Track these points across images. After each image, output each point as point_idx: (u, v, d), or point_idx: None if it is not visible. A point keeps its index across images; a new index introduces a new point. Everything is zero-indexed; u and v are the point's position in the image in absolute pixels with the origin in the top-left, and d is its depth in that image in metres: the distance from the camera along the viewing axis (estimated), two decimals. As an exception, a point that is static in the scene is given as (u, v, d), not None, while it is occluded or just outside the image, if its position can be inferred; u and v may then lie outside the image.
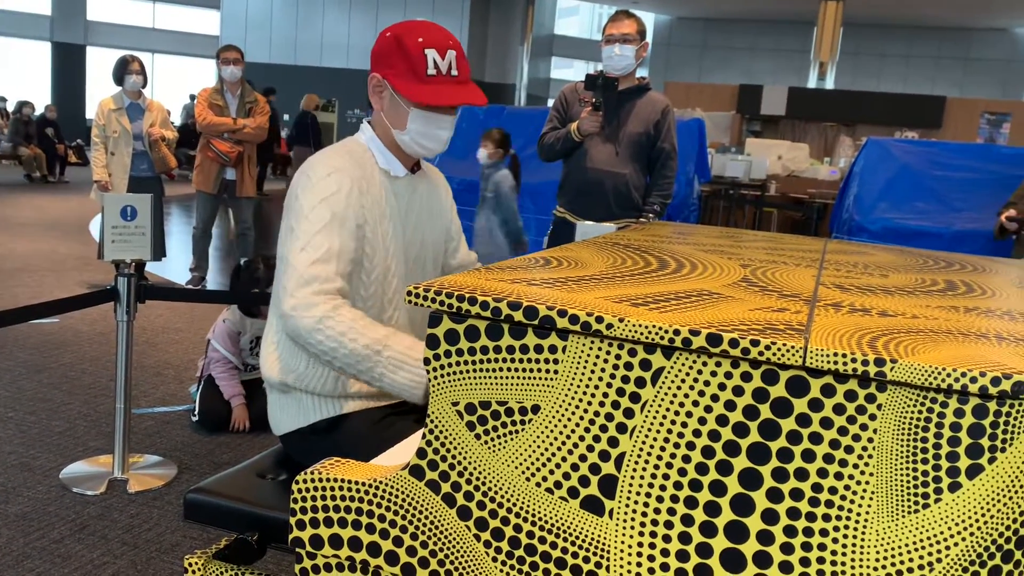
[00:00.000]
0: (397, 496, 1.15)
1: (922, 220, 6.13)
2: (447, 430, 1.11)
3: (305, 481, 1.20)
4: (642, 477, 1.02)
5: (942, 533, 0.93)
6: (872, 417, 0.93)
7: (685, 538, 1.01)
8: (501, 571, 1.10)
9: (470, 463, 1.10)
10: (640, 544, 1.03)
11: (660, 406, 1.01)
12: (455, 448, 1.11)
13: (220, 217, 6.18)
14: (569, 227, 3.87)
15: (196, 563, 1.72)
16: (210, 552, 1.77)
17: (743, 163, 9.74)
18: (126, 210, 3.08)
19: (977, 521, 0.92)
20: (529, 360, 1.06)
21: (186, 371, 4.31)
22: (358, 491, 1.17)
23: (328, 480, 1.19)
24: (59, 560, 2.46)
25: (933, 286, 1.52)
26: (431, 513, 1.13)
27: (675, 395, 1.00)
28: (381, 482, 1.16)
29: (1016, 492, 0.91)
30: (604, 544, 1.05)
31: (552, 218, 4.07)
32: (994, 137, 12.32)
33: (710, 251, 1.75)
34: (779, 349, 0.94)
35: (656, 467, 1.02)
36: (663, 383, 1.00)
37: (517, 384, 1.07)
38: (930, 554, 0.93)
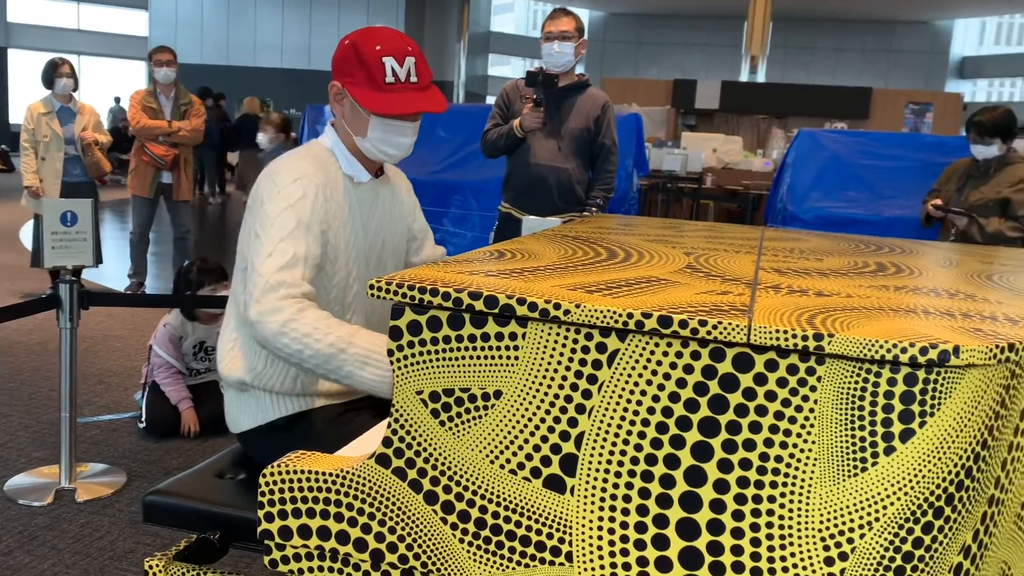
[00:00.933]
0: (364, 485, 1.18)
1: (853, 208, 6.34)
2: (412, 418, 1.15)
3: (272, 474, 1.23)
4: (601, 454, 1.08)
5: (880, 494, 1.00)
6: (812, 388, 1.00)
7: (643, 510, 1.07)
8: (468, 551, 1.14)
9: (435, 449, 1.14)
10: (600, 518, 1.09)
11: (616, 386, 1.06)
12: (420, 435, 1.15)
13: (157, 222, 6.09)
14: (515, 222, 3.93)
15: (157, 565, 1.73)
16: (170, 554, 1.78)
17: (679, 157, 9.92)
18: (66, 215, 3.03)
19: (911, 481, 0.99)
20: (490, 347, 1.10)
21: (130, 378, 4.25)
22: (326, 482, 1.20)
23: (295, 472, 1.22)
24: (9, 572, 2.42)
25: (865, 268, 1.61)
26: (398, 499, 1.17)
27: (630, 375, 1.05)
28: (348, 472, 1.19)
29: (945, 453, 0.99)
30: (566, 520, 1.10)
31: (497, 214, 4.12)
32: (918, 126, 12.76)
33: (654, 241, 1.81)
34: (725, 328, 1.00)
35: (614, 444, 1.07)
36: (618, 364, 1.06)
37: (479, 371, 1.11)
38: (869, 514, 1.00)
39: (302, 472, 1.21)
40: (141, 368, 4.02)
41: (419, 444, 1.15)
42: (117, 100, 17.23)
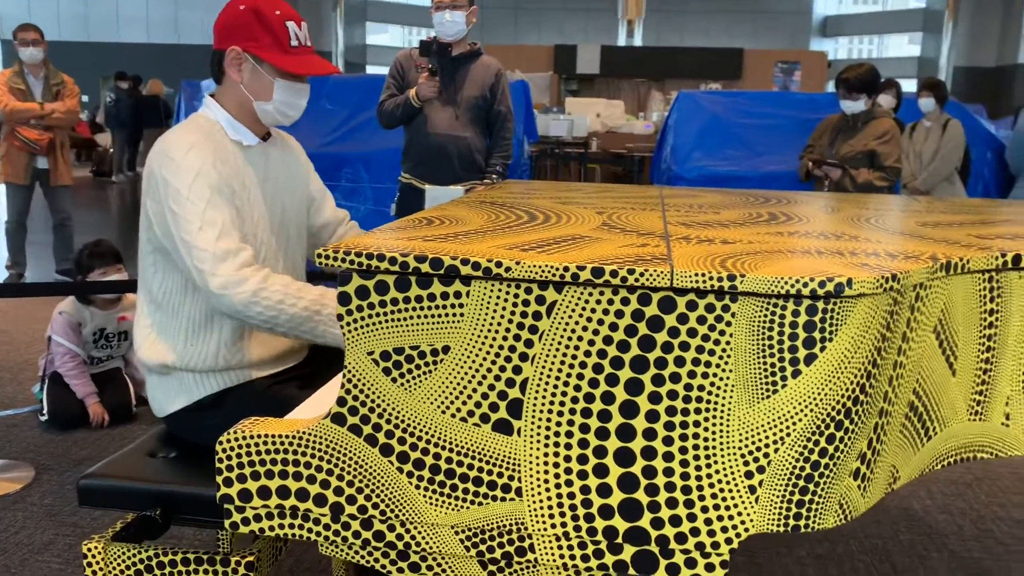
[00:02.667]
0: (321, 443, 1.25)
1: (732, 166, 6.65)
2: (364, 378, 1.22)
3: (229, 441, 1.28)
4: (544, 397, 1.18)
5: (789, 412, 1.14)
6: (728, 324, 1.13)
7: (584, 444, 1.18)
8: (424, 496, 1.23)
9: (388, 405, 1.22)
10: (546, 455, 1.19)
11: (556, 334, 1.17)
12: (373, 393, 1.22)
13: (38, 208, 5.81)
14: (416, 192, 3.98)
15: (95, 547, 1.75)
16: (108, 535, 1.79)
17: (565, 122, 10.10)
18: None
19: (815, 400, 1.14)
20: (436, 307, 1.19)
21: (23, 372, 4.10)
22: (283, 443, 1.27)
23: (252, 437, 1.28)
24: (-75, 574, 2.36)
25: (759, 218, 1.77)
26: (355, 454, 1.24)
27: (567, 323, 1.16)
28: (304, 433, 1.26)
29: (843, 373, 1.14)
30: (515, 459, 1.20)
31: (398, 185, 4.15)
32: (788, 85, 13.38)
33: (566, 203, 1.92)
34: (651, 275, 1.12)
35: (556, 387, 1.18)
36: (557, 314, 1.16)
37: (427, 329, 1.20)
38: (782, 431, 1.15)
39: (259, 436, 1.27)
40: (38, 361, 3.89)
41: (372, 401, 1.23)
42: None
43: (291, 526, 1.29)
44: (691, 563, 1.19)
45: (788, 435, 1.15)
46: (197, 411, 1.90)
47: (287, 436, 1.26)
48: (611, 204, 1.93)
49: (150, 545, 1.77)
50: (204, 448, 1.90)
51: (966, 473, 3.38)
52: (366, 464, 1.24)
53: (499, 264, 1.15)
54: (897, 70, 17.84)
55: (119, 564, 1.77)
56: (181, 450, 1.93)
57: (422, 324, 1.20)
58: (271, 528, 1.30)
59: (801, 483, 1.16)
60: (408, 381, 1.21)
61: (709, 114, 7.12)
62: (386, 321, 1.21)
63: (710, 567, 1.19)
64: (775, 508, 1.17)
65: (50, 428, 3.44)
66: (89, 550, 1.75)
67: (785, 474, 1.16)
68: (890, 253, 1.34)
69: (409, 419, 1.22)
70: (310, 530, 1.29)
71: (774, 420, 1.15)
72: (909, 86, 6.12)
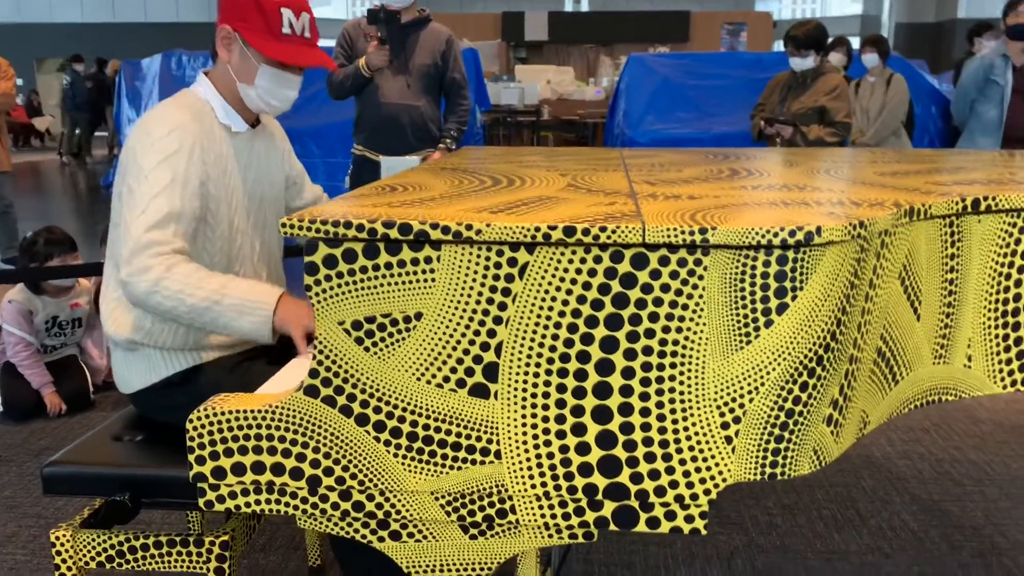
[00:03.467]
0: (295, 416, 1.23)
1: (685, 128, 6.68)
2: (336, 348, 1.21)
3: (200, 419, 1.26)
4: (520, 359, 1.18)
5: (763, 362, 1.15)
6: (700, 277, 1.14)
7: (561, 403, 1.18)
8: (403, 463, 1.23)
9: (362, 374, 1.21)
10: (524, 416, 1.19)
11: (529, 296, 1.16)
12: (346, 363, 1.21)
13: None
14: (371, 164, 3.93)
15: (64, 536, 1.71)
16: (76, 523, 1.76)
17: (516, 90, 10.04)
18: None
19: (788, 348, 1.15)
20: (407, 273, 1.17)
21: (-27, 364, 3.98)
22: (255, 419, 1.25)
23: (223, 414, 1.25)
24: None
25: (721, 174, 1.78)
26: (330, 426, 1.23)
27: (540, 284, 1.15)
28: (277, 407, 1.24)
29: (814, 321, 1.15)
30: (493, 422, 1.20)
31: (351, 157, 4.09)
32: (734, 46, 13.44)
33: (528, 167, 1.91)
34: (623, 231, 1.12)
35: (531, 348, 1.17)
36: (529, 275, 1.15)
37: (398, 296, 1.18)
38: (756, 380, 1.16)
39: (231, 413, 1.25)
40: (-12, 351, 3.78)
41: (346, 371, 1.21)
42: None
43: (267, 501, 1.28)
44: (671, 515, 1.21)
45: (762, 385, 1.16)
46: (165, 388, 1.87)
47: (260, 411, 1.24)
48: (574, 166, 1.92)
49: (120, 530, 1.74)
50: (172, 428, 1.87)
51: (923, 419, 3.47)
52: (342, 435, 1.23)
53: (469, 227, 1.13)
54: (840, 28, 18.03)
55: (89, 551, 1.74)
56: (148, 432, 1.89)
57: (393, 291, 1.18)
58: (247, 504, 1.28)
59: (776, 431, 1.18)
60: (381, 349, 1.20)
61: (659, 77, 7.13)
62: (356, 290, 1.19)
63: (689, 518, 1.21)
64: (751, 457, 1.18)
65: (5, 420, 3.36)
66: (57, 539, 1.72)
67: (760, 423, 1.17)
68: (854, 201, 1.36)
69: (384, 388, 1.21)
70: (287, 504, 1.27)
71: (748, 371, 1.16)
72: (852, 44, 6.18)
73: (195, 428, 1.26)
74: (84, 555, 1.74)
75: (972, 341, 1.51)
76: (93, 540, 1.74)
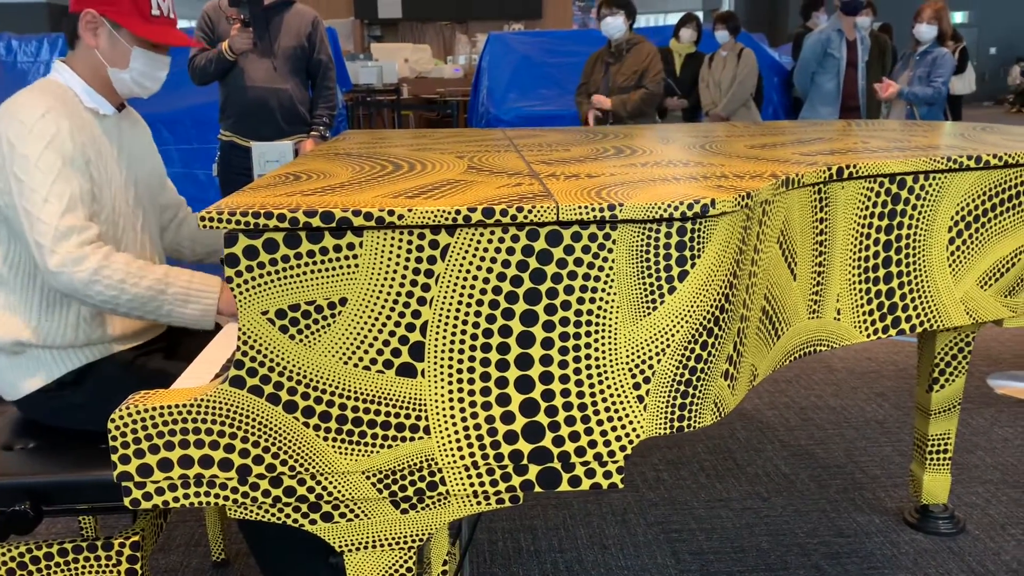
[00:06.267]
0: (221, 408, 1.24)
1: (548, 105, 6.82)
2: (261, 338, 1.22)
3: (121, 418, 1.25)
4: (445, 337, 1.23)
5: (668, 326, 1.25)
6: (610, 251, 1.22)
7: (485, 376, 1.25)
8: (333, 446, 1.26)
9: (288, 362, 1.23)
10: (451, 391, 1.25)
11: (451, 276, 1.21)
12: (271, 352, 1.23)
13: None
14: (240, 150, 3.83)
15: (-43, 553, 1.64)
16: (-30, 539, 1.69)
17: (374, 69, 9.92)
18: None
19: (689, 312, 1.26)
20: (329, 260, 1.20)
21: None
22: (179, 413, 1.25)
23: (145, 411, 1.24)
24: None
25: (606, 152, 1.88)
26: (258, 415, 1.25)
27: (461, 264, 1.21)
28: (202, 400, 1.24)
29: (710, 286, 1.26)
30: (421, 400, 1.25)
31: (217, 144, 3.98)
32: (586, 22, 13.75)
33: (421, 150, 1.95)
34: (539, 211, 1.19)
35: (455, 326, 1.23)
36: (451, 256, 1.21)
37: (322, 283, 1.21)
38: (663, 343, 1.26)
39: (153, 409, 1.24)
40: None
41: (271, 360, 1.23)
42: None
43: (196, 494, 1.28)
44: (591, 473, 1.30)
45: (668, 346, 1.26)
46: (58, 390, 1.80)
47: (184, 405, 1.24)
48: (466, 148, 1.97)
49: (20, 541, 1.68)
50: (68, 431, 1.81)
51: (786, 372, 3.75)
52: (270, 423, 1.25)
53: (392, 212, 1.17)
54: (685, 4, 18.75)
55: (-14, 566, 1.67)
56: (40, 438, 1.82)
57: (316, 279, 1.21)
58: (175, 500, 1.28)
59: (682, 388, 1.29)
60: (307, 336, 1.22)
61: (519, 55, 7.23)
62: (278, 279, 1.20)
63: (607, 474, 1.30)
64: (661, 413, 1.29)
65: None
66: (-50, 557, 1.64)
67: (668, 382, 1.28)
68: (736, 174, 1.48)
69: (311, 374, 1.23)
70: (217, 495, 1.28)
71: (655, 334, 1.26)
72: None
73: (117, 427, 1.25)
74: (-19, 571, 1.67)
75: (840, 296, 1.68)
76: (-10, 554, 1.67)
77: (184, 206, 2.15)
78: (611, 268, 1.23)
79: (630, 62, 4.61)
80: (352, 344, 1.23)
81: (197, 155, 6.87)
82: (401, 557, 1.35)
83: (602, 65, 4.75)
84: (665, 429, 1.30)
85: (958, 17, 20.81)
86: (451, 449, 1.27)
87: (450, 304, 1.22)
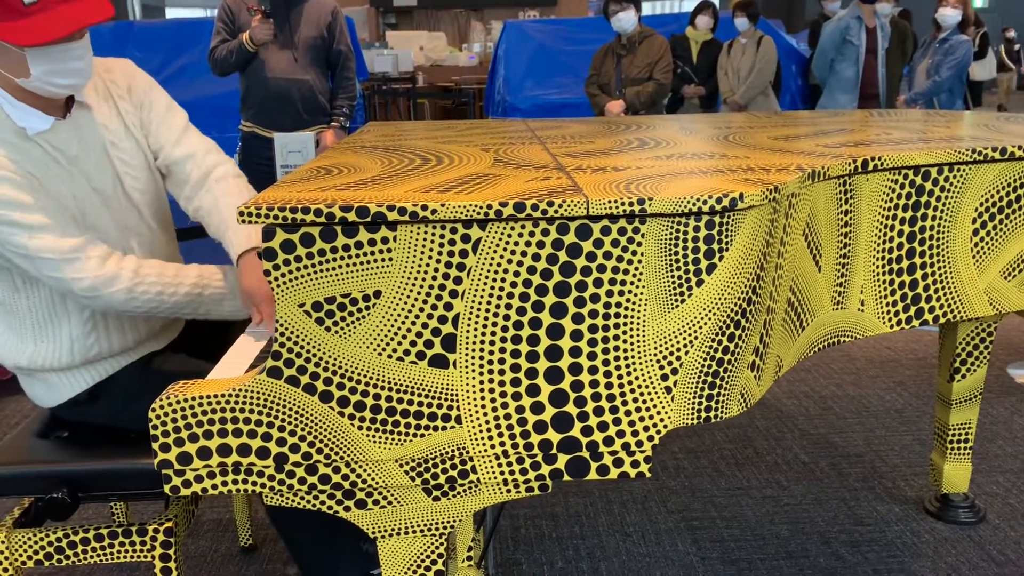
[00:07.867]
0: (259, 398, 1.27)
1: (565, 93, 6.82)
2: (298, 330, 1.25)
3: (162, 407, 1.28)
4: (476, 329, 1.26)
5: (696, 318, 1.27)
6: (639, 244, 1.24)
7: (516, 367, 1.27)
8: (368, 435, 1.29)
9: (324, 353, 1.26)
10: (482, 382, 1.28)
11: (483, 269, 1.24)
12: (308, 343, 1.25)
13: None
14: (261, 140, 3.87)
15: (-3, 537, 1.69)
16: (8, 523, 1.74)
17: (390, 57, 9.93)
18: None
19: (717, 304, 1.28)
20: (364, 254, 1.23)
21: None
22: (219, 402, 1.28)
23: (186, 400, 1.28)
24: None
25: (631, 144, 1.89)
26: (295, 404, 1.28)
27: (492, 258, 1.23)
28: (240, 390, 1.27)
29: (738, 278, 1.28)
30: (453, 390, 1.28)
31: (239, 134, 4.02)
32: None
33: (447, 143, 1.97)
34: (570, 206, 1.21)
35: (486, 318, 1.25)
36: (482, 250, 1.23)
37: (356, 276, 1.23)
38: (691, 335, 1.28)
39: (193, 399, 1.28)
40: None
41: (308, 351, 1.26)
42: None
43: (235, 482, 1.31)
44: (618, 462, 1.32)
45: (696, 338, 1.28)
46: (76, 406, 1.82)
47: (223, 395, 1.28)
48: (491, 141, 1.99)
49: (57, 527, 1.73)
50: (102, 426, 1.85)
51: (805, 361, 3.76)
52: (307, 413, 1.28)
53: (425, 207, 1.20)
54: (699, -10, 18.60)
55: (25, 551, 1.72)
56: (73, 430, 1.86)
57: (351, 272, 1.23)
58: (213, 487, 1.31)
59: (709, 379, 1.31)
60: (342, 328, 1.25)
61: (536, 43, 7.23)
62: (314, 272, 1.23)
63: (635, 463, 1.32)
64: (688, 404, 1.31)
65: None
66: (-11, 542, 1.69)
67: (695, 373, 1.30)
68: (762, 167, 1.49)
69: (346, 364, 1.26)
70: (254, 483, 1.31)
71: (683, 326, 1.28)
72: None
73: (158, 416, 1.28)
74: (20, 555, 1.72)
75: (864, 287, 1.69)
76: (29, 539, 1.72)
77: (219, 167, 1.87)
78: (640, 261, 1.25)
79: (643, 54, 4.60)
80: (386, 335, 1.26)
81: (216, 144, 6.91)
82: (432, 543, 1.38)
83: (612, 57, 4.75)
84: (692, 419, 1.32)
85: (978, 2, 20.61)
86: (482, 438, 1.30)
87: (481, 297, 1.25)
